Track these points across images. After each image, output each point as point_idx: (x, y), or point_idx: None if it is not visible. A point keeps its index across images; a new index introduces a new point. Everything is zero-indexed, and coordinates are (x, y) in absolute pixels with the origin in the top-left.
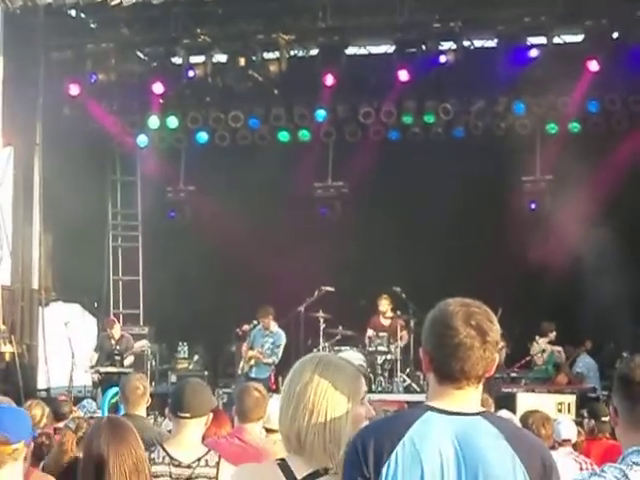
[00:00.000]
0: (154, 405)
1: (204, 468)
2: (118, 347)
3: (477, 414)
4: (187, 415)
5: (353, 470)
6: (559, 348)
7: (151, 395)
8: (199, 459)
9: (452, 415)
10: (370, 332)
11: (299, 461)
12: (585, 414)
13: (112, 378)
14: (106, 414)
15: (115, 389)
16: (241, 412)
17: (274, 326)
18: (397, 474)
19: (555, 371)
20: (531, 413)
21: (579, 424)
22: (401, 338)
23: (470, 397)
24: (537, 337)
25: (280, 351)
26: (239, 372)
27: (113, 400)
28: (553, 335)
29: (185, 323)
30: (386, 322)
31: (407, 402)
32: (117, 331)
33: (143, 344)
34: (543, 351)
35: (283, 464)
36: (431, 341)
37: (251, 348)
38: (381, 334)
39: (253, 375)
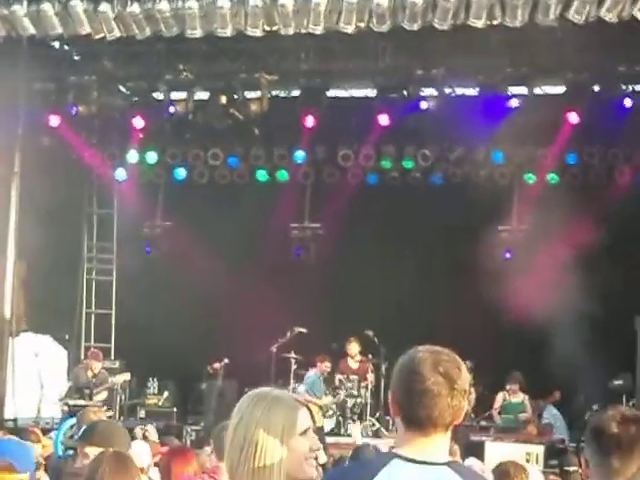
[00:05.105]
0: None
1: None
2: (94, 381)
3: (445, 464)
4: None
5: None
6: (522, 397)
7: None
8: None
9: (419, 464)
10: (339, 375)
11: None
12: (554, 465)
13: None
14: (60, 446)
15: (72, 420)
16: (219, 449)
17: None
18: None
19: (516, 419)
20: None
21: (560, 474)
22: (367, 380)
23: (437, 445)
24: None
25: None
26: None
27: (69, 432)
28: (509, 387)
29: (156, 359)
30: (355, 365)
31: (375, 447)
32: (98, 366)
33: (125, 377)
34: (504, 400)
35: None
36: (399, 387)
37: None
38: (352, 377)
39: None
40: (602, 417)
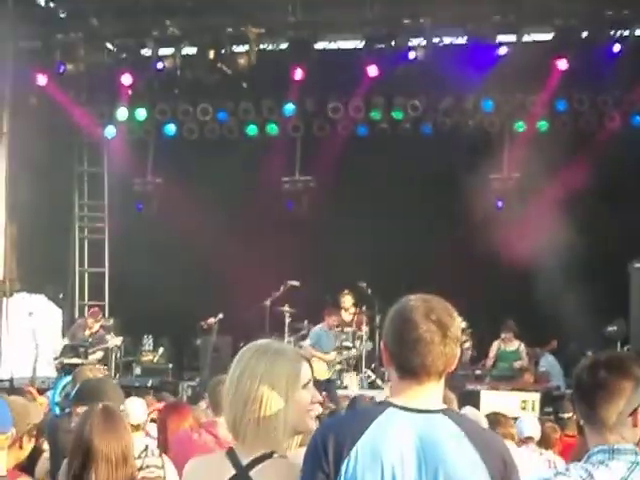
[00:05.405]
0: None
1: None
2: (90, 340)
3: (439, 411)
4: None
5: (314, 465)
6: (517, 345)
7: None
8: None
9: (413, 412)
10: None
11: (245, 449)
12: (550, 412)
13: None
14: (55, 405)
15: (68, 378)
16: (215, 404)
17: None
18: (356, 471)
19: (512, 367)
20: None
21: (555, 421)
22: (361, 332)
23: (432, 392)
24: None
25: None
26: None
27: (64, 391)
28: (504, 335)
29: (150, 316)
30: (349, 317)
31: (372, 397)
32: (96, 325)
33: (117, 342)
34: (499, 349)
35: (231, 452)
36: (391, 336)
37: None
38: (346, 329)
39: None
40: (580, 367)
